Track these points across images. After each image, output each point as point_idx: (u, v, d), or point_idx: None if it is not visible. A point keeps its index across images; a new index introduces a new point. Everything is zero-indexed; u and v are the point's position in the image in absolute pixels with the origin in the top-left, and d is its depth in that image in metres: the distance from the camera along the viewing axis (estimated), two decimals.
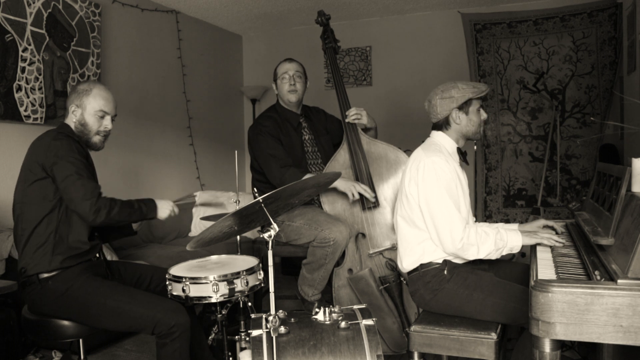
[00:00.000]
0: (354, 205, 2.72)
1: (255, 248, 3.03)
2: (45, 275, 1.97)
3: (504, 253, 1.99)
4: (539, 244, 1.96)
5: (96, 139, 2.14)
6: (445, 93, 2.08)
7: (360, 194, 2.62)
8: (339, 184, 2.63)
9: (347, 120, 2.79)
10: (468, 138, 2.18)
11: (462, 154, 2.17)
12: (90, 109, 2.10)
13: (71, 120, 2.12)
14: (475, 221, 2.29)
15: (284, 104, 2.92)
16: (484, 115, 2.15)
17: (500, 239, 1.97)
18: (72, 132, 2.11)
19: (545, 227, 2.11)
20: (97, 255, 2.15)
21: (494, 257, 2.00)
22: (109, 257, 2.67)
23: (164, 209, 2.16)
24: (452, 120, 2.11)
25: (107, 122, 2.15)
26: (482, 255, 1.97)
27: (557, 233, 2.05)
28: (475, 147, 4.89)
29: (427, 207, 2.01)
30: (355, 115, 2.78)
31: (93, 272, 2.06)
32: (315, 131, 2.98)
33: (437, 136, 2.18)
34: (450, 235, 1.95)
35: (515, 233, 1.99)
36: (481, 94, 2.09)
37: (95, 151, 2.18)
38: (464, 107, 2.09)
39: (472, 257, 1.99)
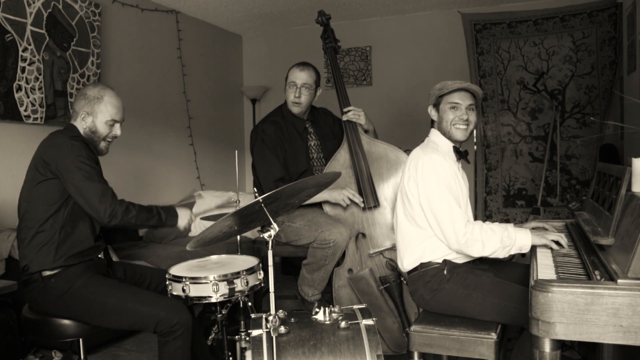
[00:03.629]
0: (354, 206, 2.72)
1: (255, 248, 3.03)
2: (48, 273, 1.97)
3: (513, 252, 1.95)
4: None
5: (103, 144, 2.16)
6: (430, 91, 2.18)
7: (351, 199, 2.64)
8: (328, 196, 2.64)
9: (343, 118, 2.79)
10: (449, 138, 2.16)
11: (459, 153, 2.17)
12: (101, 118, 2.11)
13: (81, 126, 2.12)
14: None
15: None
16: (455, 113, 2.10)
17: (507, 237, 1.93)
18: (80, 134, 2.11)
19: (536, 228, 2.10)
20: (100, 255, 2.14)
21: (501, 255, 1.96)
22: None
23: (184, 218, 2.18)
24: (432, 118, 2.20)
25: (116, 130, 2.16)
26: (487, 253, 1.94)
27: None
28: (475, 147, 4.89)
29: (428, 205, 2.02)
30: (353, 114, 2.77)
31: (95, 271, 2.07)
32: (321, 136, 2.93)
33: (433, 135, 2.21)
34: (453, 230, 1.95)
35: (525, 232, 1.95)
36: (444, 91, 2.11)
37: (99, 156, 2.19)
38: (436, 105, 2.17)
39: (477, 254, 1.97)
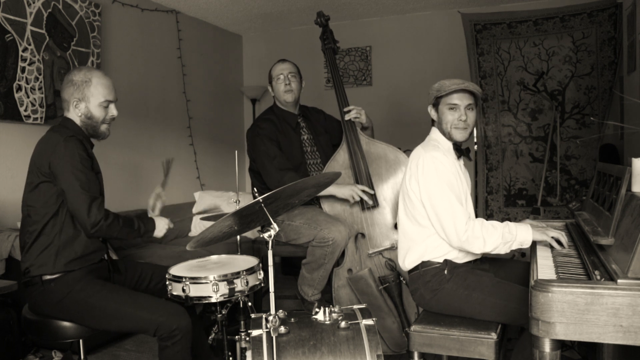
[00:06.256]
0: (353, 205, 2.72)
1: (255, 248, 3.03)
2: (49, 277, 1.96)
3: (514, 247, 1.95)
4: (542, 242, 1.94)
5: (103, 127, 2.11)
6: (430, 90, 2.16)
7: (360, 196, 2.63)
8: (336, 191, 2.64)
9: (345, 118, 2.79)
10: (449, 139, 2.15)
11: (460, 151, 2.17)
12: (94, 101, 2.05)
13: (75, 115, 2.06)
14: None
15: (281, 105, 2.92)
16: (460, 114, 2.07)
17: (508, 232, 1.93)
18: (77, 127, 2.06)
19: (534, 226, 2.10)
20: (102, 258, 2.14)
21: (502, 251, 1.95)
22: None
23: (161, 229, 2.17)
24: (432, 117, 2.18)
25: (113, 111, 2.11)
26: (489, 249, 1.94)
27: None
28: (476, 147, 4.90)
29: (429, 202, 2.01)
30: (355, 113, 2.78)
31: (96, 274, 2.05)
32: (313, 131, 2.97)
33: (434, 133, 2.20)
34: (454, 227, 1.95)
35: (526, 227, 1.94)
36: (442, 93, 2.08)
37: (102, 140, 2.16)
38: (435, 105, 2.15)
39: (478, 251, 1.96)
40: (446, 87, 2.08)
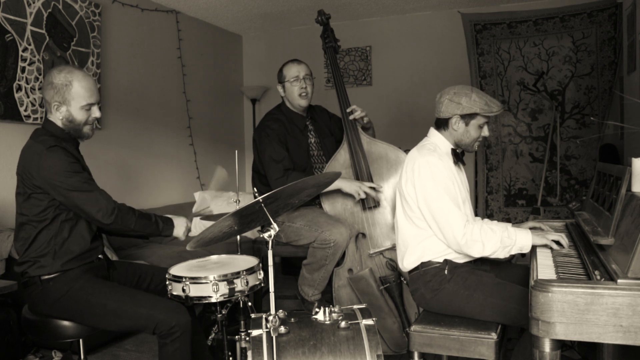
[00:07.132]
0: (354, 205, 2.72)
1: (255, 248, 3.03)
2: (47, 276, 1.96)
3: (513, 252, 1.95)
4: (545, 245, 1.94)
5: (86, 129, 2.06)
6: (456, 97, 2.06)
7: (366, 193, 2.62)
8: (343, 185, 2.61)
9: (351, 118, 2.78)
10: (460, 147, 2.17)
11: (456, 155, 2.16)
12: (75, 105, 1.99)
13: (57, 118, 2.01)
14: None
15: (291, 107, 2.87)
16: (485, 132, 2.13)
17: (507, 237, 1.93)
18: (59, 131, 2.02)
19: (534, 228, 2.10)
20: (99, 256, 2.14)
21: (501, 255, 1.96)
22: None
23: (180, 227, 2.16)
24: (450, 124, 2.12)
25: (94, 113, 2.06)
26: (487, 253, 1.94)
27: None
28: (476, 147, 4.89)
29: (426, 207, 2.02)
30: (360, 113, 2.76)
31: (94, 273, 2.06)
32: (320, 134, 2.94)
33: (433, 136, 2.19)
34: (452, 232, 1.95)
35: (525, 232, 1.94)
36: (490, 113, 2.06)
37: (86, 140, 2.12)
38: (466, 117, 2.08)
39: (477, 254, 1.96)
40: (494, 109, 2.06)
